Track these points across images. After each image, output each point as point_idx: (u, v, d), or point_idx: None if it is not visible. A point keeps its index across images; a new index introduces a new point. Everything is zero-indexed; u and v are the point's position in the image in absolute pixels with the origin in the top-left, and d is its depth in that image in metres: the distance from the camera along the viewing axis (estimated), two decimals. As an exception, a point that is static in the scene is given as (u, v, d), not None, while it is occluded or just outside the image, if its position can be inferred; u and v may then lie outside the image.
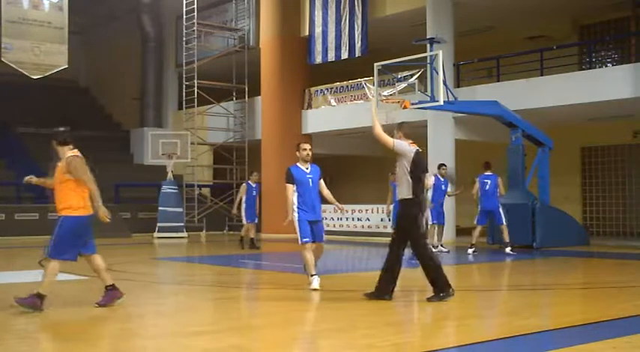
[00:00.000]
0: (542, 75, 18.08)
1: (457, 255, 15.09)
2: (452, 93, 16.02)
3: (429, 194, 15.08)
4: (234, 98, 25.65)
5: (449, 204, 16.86)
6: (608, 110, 17.89)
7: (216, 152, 26.48)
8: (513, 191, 16.17)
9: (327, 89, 22.83)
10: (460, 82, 19.68)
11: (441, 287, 7.80)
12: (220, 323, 7.04)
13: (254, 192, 16.44)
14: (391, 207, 14.62)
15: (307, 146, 8.97)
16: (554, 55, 18.75)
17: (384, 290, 7.88)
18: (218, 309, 8.07)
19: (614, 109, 17.74)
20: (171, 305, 8.32)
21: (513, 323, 6.83)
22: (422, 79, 15.69)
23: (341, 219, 21.11)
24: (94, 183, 7.32)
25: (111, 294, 7.52)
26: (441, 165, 15.44)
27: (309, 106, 23.22)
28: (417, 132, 17.06)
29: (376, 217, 20.57)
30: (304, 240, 8.71)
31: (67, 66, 23.28)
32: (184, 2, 24.72)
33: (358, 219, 21.32)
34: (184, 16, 24.76)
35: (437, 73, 14.99)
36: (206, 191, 27.24)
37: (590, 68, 20.61)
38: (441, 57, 15.04)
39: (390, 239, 8.20)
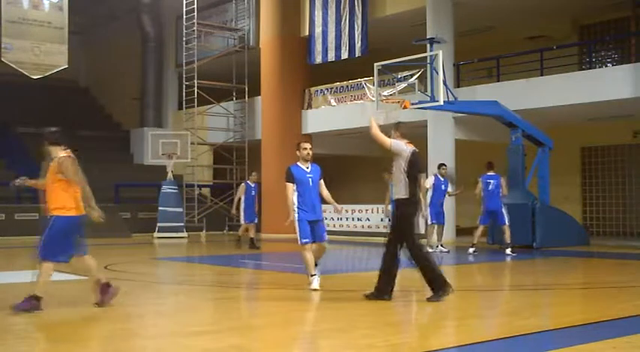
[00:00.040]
0: (542, 75, 18.08)
1: (457, 255, 15.09)
2: (452, 93, 16.02)
3: (429, 194, 15.11)
4: (234, 98, 25.65)
5: (449, 204, 16.86)
6: (608, 110, 17.89)
7: (216, 152, 26.49)
8: (513, 191, 16.15)
9: (327, 89, 22.83)
10: (460, 81, 19.69)
11: (439, 286, 7.79)
12: (220, 323, 7.04)
13: (253, 192, 16.44)
14: (389, 207, 14.61)
15: (308, 145, 8.94)
16: (554, 55, 18.76)
17: (383, 290, 7.88)
18: (218, 309, 8.06)
19: (614, 109, 17.74)
20: (171, 305, 8.32)
21: (513, 323, 6.83)
22: (422, 79, 15.70)
23: (341, 219, 21.11)
24: (86, 183, 7.28)
25: (109, 291, 7.48)
26: (440, 165, 15.44)
27: (309, 106, 23.22)
28: (417, 132, 17.15)
29: (376, 217, 20.57)
30: (303, 240, 8.69)
31: (67, 66, 23.28)
32: (184, 2, 24.72)
33: (358, 219, 21.33)
34: (184, 16, 24.76)
35: (437, 73, 14.99)
36: (206, 191, 27.23)
37: (590, 68, 20.61)
38: (441, 57, 15.04)
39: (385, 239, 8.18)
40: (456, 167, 18.36)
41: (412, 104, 15.27)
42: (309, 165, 8.89)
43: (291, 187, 8.74)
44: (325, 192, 9.03)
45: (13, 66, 22.39)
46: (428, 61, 15.32)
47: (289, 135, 21.77)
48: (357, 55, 21.05)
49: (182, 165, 24.50)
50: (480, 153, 17.88)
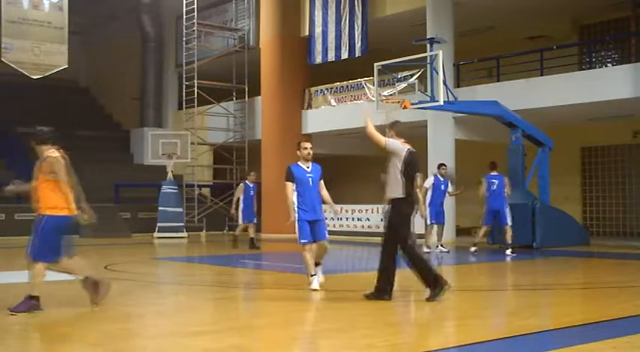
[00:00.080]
0: (542, 75, 18.08)
1: (457, 255, 15.09)
2: (452, 93, 16.03)
3: (429, 194, 15.11)
4: (234, 98, 25.65)
5: (449, 204, 16.85)
6: (608, 110, 17.89)
7: (216, 152, 26.48)
8: (513, 191, 16.13)
9: (327, 89, 22.83)
10: (460, 82, 19.69)
11: (435, 284, 7.77)
12: (220, 323, 7.04)
13: (251, 192, 16.45)
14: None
15: (308, 145, 8.93)
16: (554, 55, 18.76)
17: (382, 290, 7.86)
18: (218, 309, 8.06)
19: (614, 109, 17.74)
20: (171, 305, 8.32)
21: (513, 323, 6.83)
22: (422, 79, 15.71)
23: (341, 219, 21.11)
24: (76, 183, 7.23)
25: (100, 289, 7.43)
26: (440, 165, 15.44)
27: (309, 106, 23.22)
28: (417, 132, 17.18)
29: (376, 217, 20.55)
30: (302, 240, 8.69)
31: (67, 66, 23.27)
32: (184, 2, 24.72)
33: (358, 219, 21.32)
34: (184, 16, 24.75)
35: (437, 73, 14.99)
36: (206, 191, 27.23)
37: (590, 68, 20.61)
38: (441, 57, 15.05)
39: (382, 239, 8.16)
40: (456, 167, 18.36)
41: (412, 104, 15.27)
42: (309, 164, 8.88)
43: (290, 186, 8.73)
44: (325, 193, 9.01)
45: (13, 66, 22.38)
46: (428, 61, 15.32)
47: (289, 135, 21.76)
48: (357, 55, 21.05)
49: (182, 165, 24.50)
50: (480, 154, 17.90)
